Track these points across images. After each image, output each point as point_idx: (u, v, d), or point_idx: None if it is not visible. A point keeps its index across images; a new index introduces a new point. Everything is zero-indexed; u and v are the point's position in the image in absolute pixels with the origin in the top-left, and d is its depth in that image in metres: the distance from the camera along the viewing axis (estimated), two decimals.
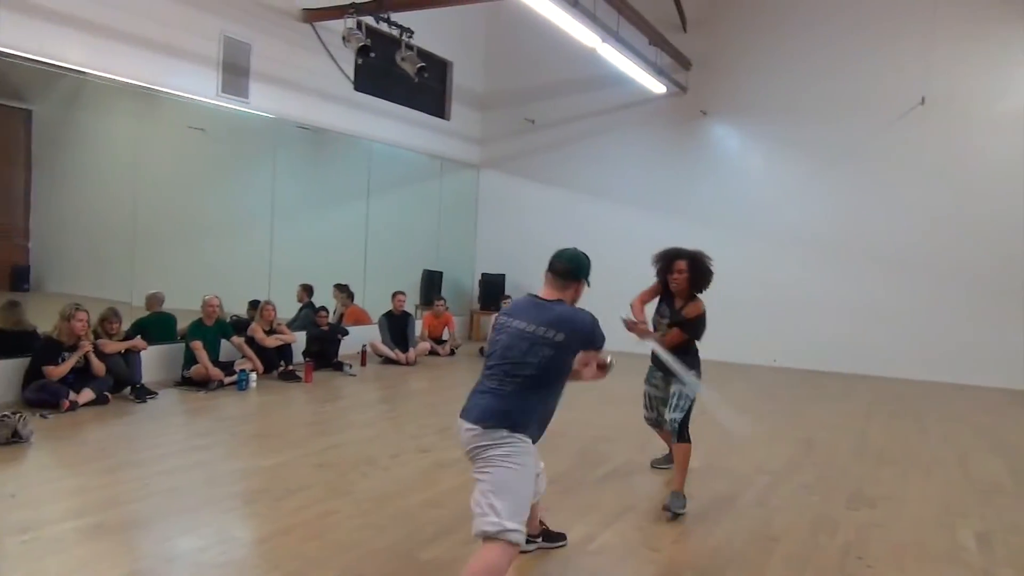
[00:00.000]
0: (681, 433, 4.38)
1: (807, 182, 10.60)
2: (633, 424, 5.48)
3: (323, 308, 9.27)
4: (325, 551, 3.60)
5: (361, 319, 10.74)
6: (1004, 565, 3.74)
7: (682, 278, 4.48)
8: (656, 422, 4.87)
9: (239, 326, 8.65)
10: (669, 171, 11.44)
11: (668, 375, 4.51)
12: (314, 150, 10.87)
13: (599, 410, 6.97)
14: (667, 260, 4.57)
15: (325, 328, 8.99)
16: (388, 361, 9.66)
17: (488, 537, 2.81)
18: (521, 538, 2.85)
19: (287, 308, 10.03)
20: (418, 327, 10.85)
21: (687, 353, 4.50)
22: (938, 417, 7.50)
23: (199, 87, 7.99)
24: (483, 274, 12.54)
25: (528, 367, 2.94)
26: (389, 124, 10.89)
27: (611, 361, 3.26)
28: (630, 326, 4.31)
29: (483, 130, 12.96)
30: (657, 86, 10.42)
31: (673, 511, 4.22)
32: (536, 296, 3.14)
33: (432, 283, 12.05)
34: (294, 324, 9.80)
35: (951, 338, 9.67)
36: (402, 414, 6.98)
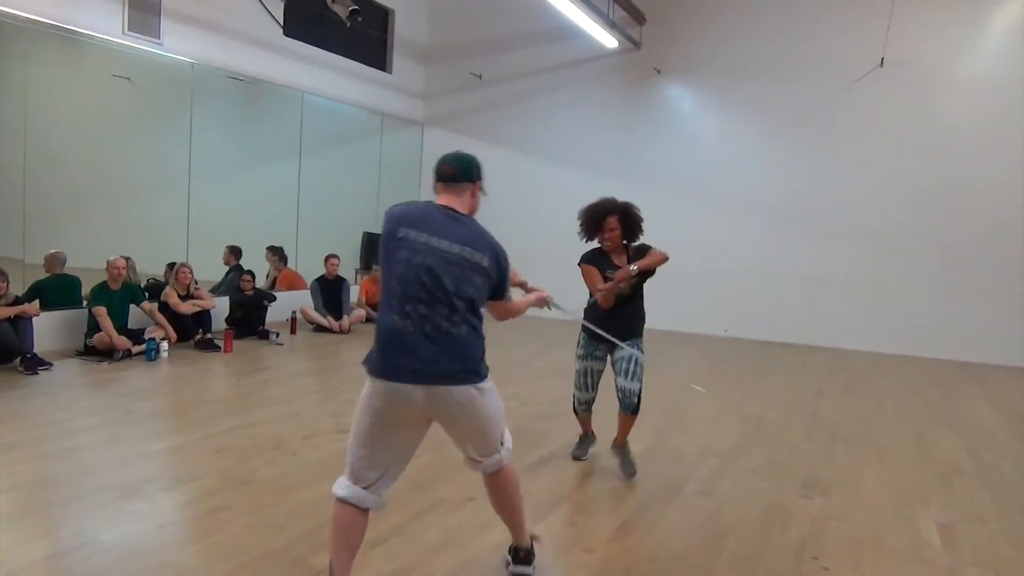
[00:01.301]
0: (637, 406, 4.20)
1: (763, 146, 10.20)
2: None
3: (248, 272, 8.60)
4: (202, 557, 3.07)
5: (295, 284, 10.12)
6: (970, 564, 3.38)
7: (615, 235, 4.20)
8: (590, 406, 4.47)
9: (155, 290, 7.96)
10: (621, 132, 10.93)
11: (613, 344, 4.13)
12: (240, 100, 10.04)
13: (539, 384, 6.53)
14: (596, 218, 4.21)
15: (249, 293, 8.34)
16: (320, 329, 9.07)
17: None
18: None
19: (214, 271, 9.36)
20: (356, 293, 10.26)
21: (638, 304, 4.29)
22: (891, 392, 7.23)
23: (101, 24, 7.19)
24: None
25: (465, 297, 2.54)
26: (324, 75, 10.15)
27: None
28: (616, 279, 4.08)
29: (427, 85, 12.26)
30: (609, 40, 9.84)
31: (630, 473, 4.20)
32: (445, 206, 2.66)
33: (373, 247, 11.43)
34: (220, 289, 9.15)
35: (904, 309, 9.44)
36: (326, 388, 6.42)
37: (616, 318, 4.16)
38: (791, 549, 3.45)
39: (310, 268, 9.95)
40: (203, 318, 7.66)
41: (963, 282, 9.15)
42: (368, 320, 9.86)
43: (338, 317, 9.13)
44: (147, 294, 7.91)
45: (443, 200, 2.67)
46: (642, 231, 4.28)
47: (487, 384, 2.61)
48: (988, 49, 9.04)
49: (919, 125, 9.33)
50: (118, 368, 6.50)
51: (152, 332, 7.14)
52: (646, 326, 4.38)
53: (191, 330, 7.53)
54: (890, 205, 9.49)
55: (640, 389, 4.17)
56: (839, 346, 9.63)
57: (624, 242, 4.27)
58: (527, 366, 7.45)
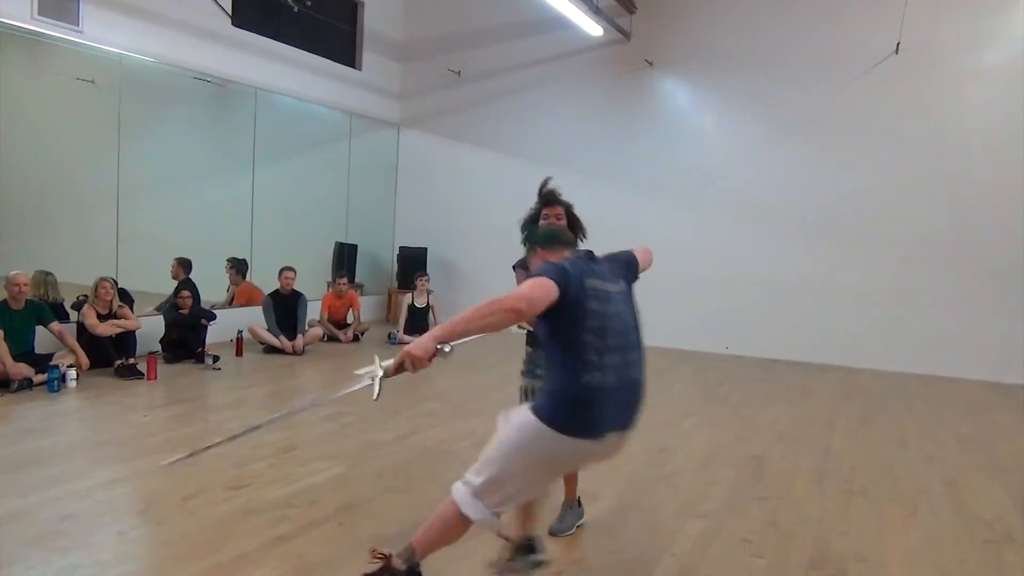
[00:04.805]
0: None
1: (766, 143, 9.21)
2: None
3: (186, 288, 7.67)
4: None
5: (255, 298, 9.21)
6: None
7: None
8: None
9: (80, 309, 7.05)
10: (611, 129, 9.97)
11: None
12: (185, 98, 9.11)
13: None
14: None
15: (184, 312, 7.41)
16: (271, 350, 8.14)
17: None
18: None
19: (164, 286, 8.46)
20: (317, 309, 9.31)
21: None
22: (915, 423, 6.21)
23: (5, 6, 6.30)
24: (401, 247, 10.99)
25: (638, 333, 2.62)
26: (283, 71, 9.25)
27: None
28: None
29: (403, 83, 11.35)
30: (595, 28, 8.91)
31: (558, 533, 3.45)
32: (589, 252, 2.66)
33: (344, 258, 10.53)
34: (166, 305, 8.24)
35: (927, 324, 8.41)
36: (245, 426, 5.45)
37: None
38: None
39: (275, 282, 9.03)
40: (127, 341, 6.74)
41: (994, 292, 8.12)
42: (331, 339, 8.94)
43: (292, 336, 8.19)
44: (66, 313, 7.04)
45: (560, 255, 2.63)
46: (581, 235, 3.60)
47: None
48: (1017, 32, 8.04)
49: (941, 118, 8.34)
50: (10, 401, 5.57)
51: (60, 358, 6.22)
52: None
53: (111, 355, 6.61)
54: (910, 207, 8.48)
55: None
56: (853, 365, 8.62)
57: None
58: (494, 394, 6.48)
